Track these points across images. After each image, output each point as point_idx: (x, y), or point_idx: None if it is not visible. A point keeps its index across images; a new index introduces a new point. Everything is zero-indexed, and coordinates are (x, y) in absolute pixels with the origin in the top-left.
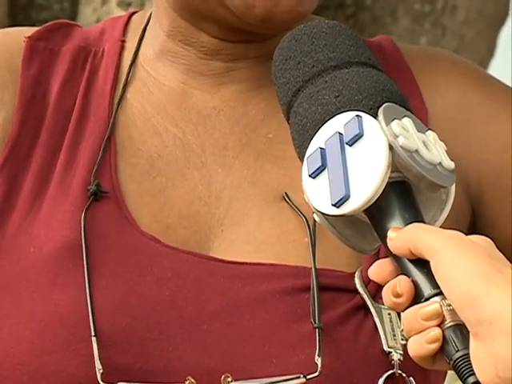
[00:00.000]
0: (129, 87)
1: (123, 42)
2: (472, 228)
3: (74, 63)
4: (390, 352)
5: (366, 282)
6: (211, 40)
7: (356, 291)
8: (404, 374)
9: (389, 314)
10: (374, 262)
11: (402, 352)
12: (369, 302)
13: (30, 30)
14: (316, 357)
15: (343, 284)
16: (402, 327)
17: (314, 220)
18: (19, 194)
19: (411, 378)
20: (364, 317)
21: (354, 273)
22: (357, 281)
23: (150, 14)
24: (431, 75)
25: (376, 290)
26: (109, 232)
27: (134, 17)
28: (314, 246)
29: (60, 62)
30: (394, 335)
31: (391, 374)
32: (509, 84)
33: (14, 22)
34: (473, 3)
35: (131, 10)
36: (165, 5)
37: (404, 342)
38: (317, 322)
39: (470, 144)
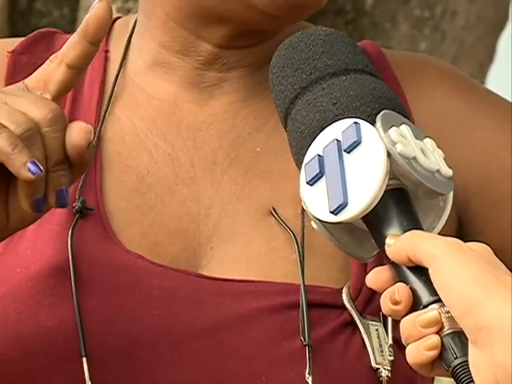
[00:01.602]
0: (116, 101)
1: (107, 52)
2: (458, 236)
3: None
4: (378, 368)
5: (354, 297)
6: (210, 49)
7: (343, 307)
8: None
9: (376, 330)
10: (361, 277)
11: (389, 368)
12: (356, 318)
13: (12, 43)
14: (307, 375)
15: (331, 300)
16: (390, 342)
17: (303, 235)
18: None
19: None
20: (352, 333)
21: (342, 289)
22: (344, 297)
23: (135, 23)
24: (417, 82)
25: (363, 306)
26: (94, 251)
27: (117, 23)
28: (302, 262)
29: None
30: (382, 351)
31: None
32: (509, 89)
33: (13, 29)
34: (472, 8)
35: (131, 15)
36: (161, 16)
37: (392, 358)
38: (307, 339)
39: (455, 152)
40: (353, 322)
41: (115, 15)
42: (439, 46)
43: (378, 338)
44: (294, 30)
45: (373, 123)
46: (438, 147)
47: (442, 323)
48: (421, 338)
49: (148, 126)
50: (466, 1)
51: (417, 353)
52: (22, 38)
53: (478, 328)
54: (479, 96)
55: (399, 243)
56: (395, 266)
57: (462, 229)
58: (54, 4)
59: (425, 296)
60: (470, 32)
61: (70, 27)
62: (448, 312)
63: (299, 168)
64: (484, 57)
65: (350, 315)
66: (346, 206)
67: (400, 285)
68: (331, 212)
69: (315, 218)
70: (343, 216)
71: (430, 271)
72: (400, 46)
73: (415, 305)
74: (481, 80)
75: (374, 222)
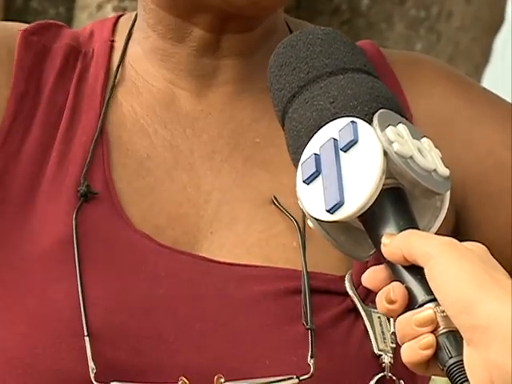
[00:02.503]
0: (119, 87)
1: (112, 41)
2: (455, 232)
3: (66, 60)
4: (381, 355)
5: (356, 285)
6: (202, 34)
7: (346, 294)
8: (394, 377)
9: (379, 317)
10: (363, 265)
11: (392, 355)
12: (359, 305)
13: (23, 25)
14: (309, 358)
15: (334, 287)
16: (391, 330)
17: (304, 223)
18: (10, 189)
19: (401, 381)
20: (354, 320)
21: (344, 276)
22: (347, 284)
23: (136, 14)
24: (415, 80)
25: (366, 294)
26: (102, 230)
27: (122, 18)
28: (304, 248)
29: (52, 58)
30: (384, 338)
31: (382, 376)
32: (507, 90)
33: None
34: (468, 9)
35: (134, 12)
36: (151, 7)
37: (394, 345)
38: (309, 323)
39: (453, 149)
40: (355, 309)
41: (111, 15)
42: (435, 46)
43: (381, 325)
44: (279, 20)
45: (370, 122)
46: (436, 147)
47: (438, 322)
48: (416, 337)
49: (148, 112)
50: (462, 1)
51: (412, 352)
52: (31, 24)
53: (473, 327)
54: (478, 94)
55: (395, 242)
56: (391, 265)
57: (459, 225)
58: (50, 3)
59: (420, 295)
60: (465, 33)
61: None
62: (443, 311)
63: (296, 167)
64: (479, 58)
65: (353, 302)
66: (342, 205)
67: (395, 284)
68: (327, 211)
69: (311, 216)
70: (339, 215)
71: (425, 270)
72: (395, 46)
73: (411, 304)
74: (476, 81)
75: (370, 221)
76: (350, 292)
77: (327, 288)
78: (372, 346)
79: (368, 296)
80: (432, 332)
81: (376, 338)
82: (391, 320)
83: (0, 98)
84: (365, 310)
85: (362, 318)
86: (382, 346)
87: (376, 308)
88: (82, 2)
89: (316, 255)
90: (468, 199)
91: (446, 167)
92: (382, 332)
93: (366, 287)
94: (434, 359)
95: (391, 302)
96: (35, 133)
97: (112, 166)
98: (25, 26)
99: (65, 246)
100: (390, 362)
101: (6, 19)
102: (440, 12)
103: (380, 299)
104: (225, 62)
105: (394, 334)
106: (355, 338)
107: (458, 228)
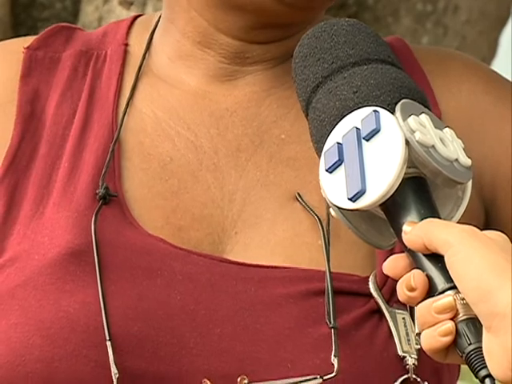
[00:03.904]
0: (137, 93)
1: (126, 45)
2: (485, 228)
3: (75, 70)
4: (405, 356)
5: (380, 286)
6: (230, 41)
7: (370, 295)
8: (418, 379)
9: (403, 318)
10: None
11: (416, 356)
12: (383, 307)
13: (28, 40)
14: (332, 357)
15: (357, 288)
16: (416, 331)
17: (328, 221)
18: (21, 204)
19: (426, 383)
20: (378, 321)
21: (368, 277)
22: (371, 285)
23: (159, 18)
24: (444, 76)
25: (390, 295)
26: (115, 236)
27: (139, 20)
28: (327, 246)
29: (60, 69)
30: (409, 340)
31: (406, 378)
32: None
33: (15, 21)
34: (475, 3)
35: (133, 8)
36: (183, 4)
37: (418, 347)
38: (332, 322)
39: (483, 146)
40: (379, 310)
41: (117, 8)
42: (441, 40)
43: (405, 326)
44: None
45: (392, 112)
46: (458, 137)
47: (457, 309)
48: (435, 324)
49: (170, 116)
50: None
51: (431, 339)
52: (39, 35)
53: (493, 314)
54: (506, 90)
55: (416, 230)
56: (412, 253)
57: (488, 223)
58: None
59: (440, 283)
60: (472, 27)
61: (73, 20)
62: (463, 299)
63: (319, 156)
64: (486, 52)
65: (377, 303)
66: (363, 194)
67: (416, 271)
68: (349, 199)
69: (334, 204)
70: (361, 203)
71: (445, 258)
72: None
73: (431, 291)
74: None
75: (391, 209)
76: (374, 293)
77: (351, 289)
78: (396, 348)
79: (392, 297)
80: (452, 319)
81: (400, 340)
82: (416, 321)
83: (6, 120)
84: (389, 312)
85: (386, 320)
86: (406, 348)
87: (400, 309)
88: None
89: (340, 254)
90: (498, 198)
91: (468, 157)
92: (407, 333)
93: (390, 288)
94: (454, 346)
95: (412, 289)
96: (43, 150)
97: (129, 172)
98: (30, 40)
99: (75, 257)
100: (414, 364)
101: (13, 13)
102: (447, 6)
103: (400, 287)
104: (255, 68)
105: (418, 334)
106: (379, 340)
107: (489, 227)
